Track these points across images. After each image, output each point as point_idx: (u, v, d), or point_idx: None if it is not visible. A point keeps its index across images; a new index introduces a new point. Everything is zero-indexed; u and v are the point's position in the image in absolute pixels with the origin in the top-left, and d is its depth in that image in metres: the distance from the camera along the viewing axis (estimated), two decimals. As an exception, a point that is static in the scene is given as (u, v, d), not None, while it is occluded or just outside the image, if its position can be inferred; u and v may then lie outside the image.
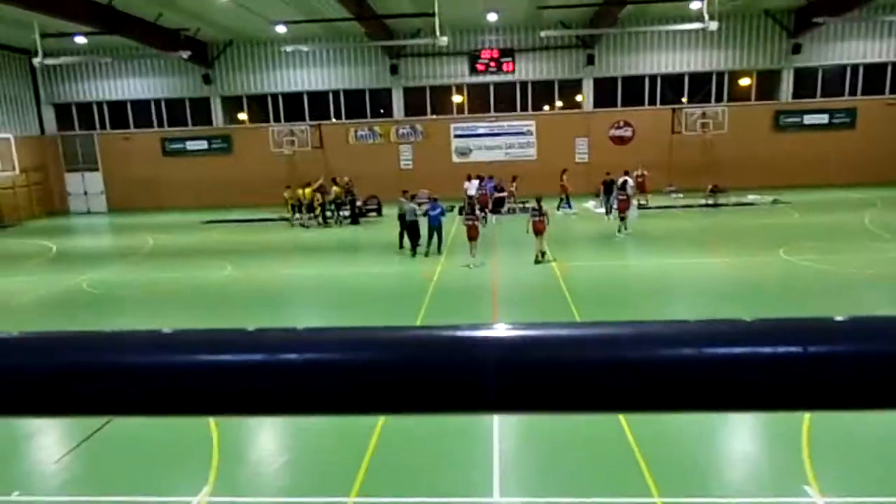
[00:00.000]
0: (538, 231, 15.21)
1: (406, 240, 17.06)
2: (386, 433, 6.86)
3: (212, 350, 0.70)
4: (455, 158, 29.54)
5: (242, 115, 30.82)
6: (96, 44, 27.11)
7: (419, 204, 17.14)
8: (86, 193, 31.14)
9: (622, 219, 18.32)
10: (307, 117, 29.99)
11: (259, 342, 0.71)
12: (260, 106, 30.52)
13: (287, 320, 11.86)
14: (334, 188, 23.31)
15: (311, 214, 22.92)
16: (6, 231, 25.40)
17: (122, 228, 26.04)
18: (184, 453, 6.74)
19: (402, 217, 17.00)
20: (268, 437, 7.32)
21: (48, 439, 7.37)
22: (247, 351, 0.69)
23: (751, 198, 24.72)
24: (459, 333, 0.70)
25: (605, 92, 29.39)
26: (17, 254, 20.49)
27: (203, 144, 30.36)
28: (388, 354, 0.67)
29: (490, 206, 22.84)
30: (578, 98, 29.70)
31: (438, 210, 16.61)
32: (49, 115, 30.83)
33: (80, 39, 25.01)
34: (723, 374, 0.63)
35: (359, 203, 24.16)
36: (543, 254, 15.29)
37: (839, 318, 0.67)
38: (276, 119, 30.12)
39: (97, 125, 30.95)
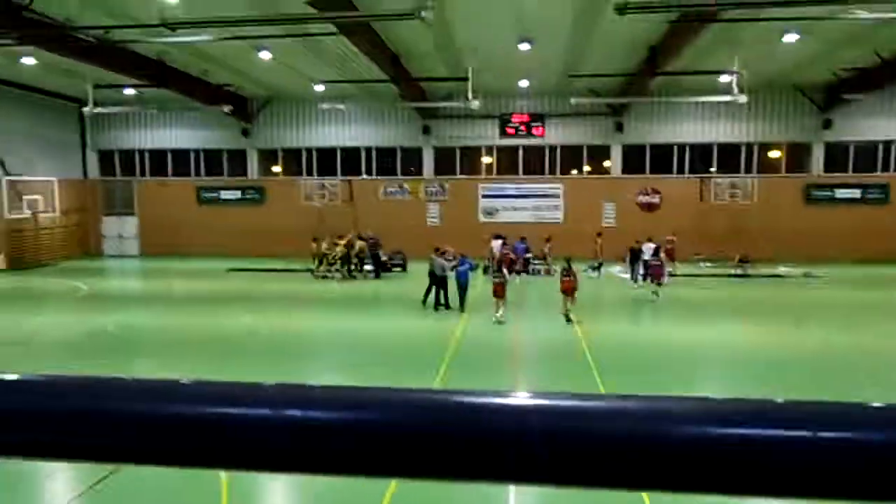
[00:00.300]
0: (567, 291, 15.24)
1: (432, 296, 17.15)
2: (402, 488, 6.67)
3: (227, 403, 0.69)
4: (482, 218, 29.78)
5: (276, 168, 31.68)
6: (143, 95, 28.39)
7: (447, 260, 17.31)
8: (120, 237, 31.94)
9: (659, 284, 18.25)
10: (339, 172, 30.70)
11: (291, 398, 0.70)
12: (294, 159, 31.38)
13: (301, 371, 11.80)
14: (359, 242, 23.59)
15: (336, 267, 23.10)
16: (43, 270, 26.05)
17: (151, 273, 26.54)
18: (194, 499, 6.62)
19: (432, 273, 17.16)
20: (279, 486, 7.17)
21: (57, 483, 7.31)
22: (284, 406, 0.67)
23: (781, 270, 24.30)
24: (497, 400, 0.68)
25: (634, 159, 29.64)
26: (48, 293, 20.94)
27: (237, 194, 31.15)
28: (415, 417, 0.65)
29: (518, 265, 22.94)
30: (606, 164, 29.98)
31: (467, 266, 16.93)
32: (93, 161, 32.06)
33: (129, 91, 26.21)
34: (766, 457, 0.61)
35: (384, 258, 24.37)
36: (568, 317, 15.20)
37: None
38: (309, 173, 30.89)
39: (137, 172, 32.05)
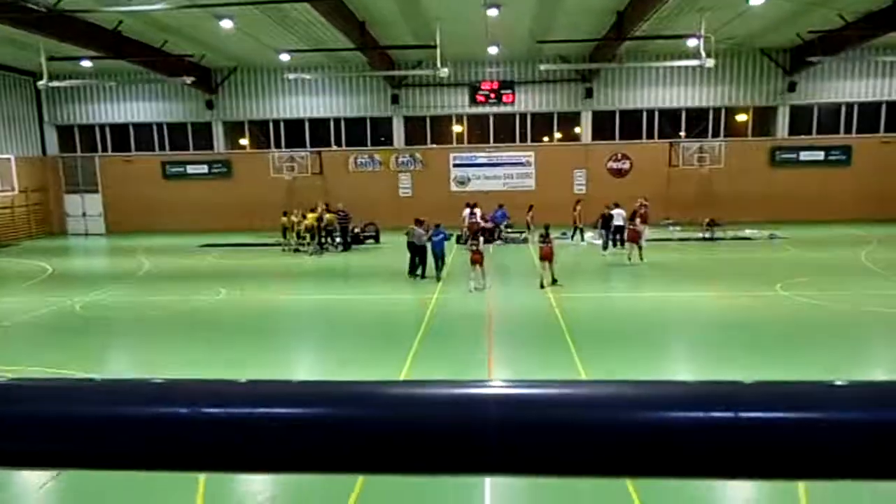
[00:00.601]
0: (545, 257, 15.43)
1: (418, 266, 17.36)
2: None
3: (202, 403, 0.68)
4: (453, 187, 29.71)
5: (244, 141, 31.03)
6: (101, 68, 27.42)
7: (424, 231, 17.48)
8: (84, 215, 31.16)
9: (640, 248, 18.64)
10: (308, 144, 30.21)
11: (253, 395, 0.69)
12: (261, 131, 30.76)
13: (274, 346, 11.78)
14: (327, 215, 23.43)
15: (306, 240, 22.91)
16: (3, 251, 25.34)
17: (118, 251, 26.00)
18: (167, 488, 6.62)
19: (411, 244, 17.34)
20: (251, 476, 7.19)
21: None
22: (240, 405, 0.66)
23: (748, 232, 24.82)
24: (461, 391, 0.68)
25: (604, 125, 29.72)
26: (13, 274, 20.40)
27: (204, 169, 30.50)
28: (386, 411, 0.65)
29: (492, 234, 23.25)
30: (577, 130, 30.02)
31: (441, 236, 17.21)
32: (51, 137, 31.02)
33: (86, 63, 25.29)
34: (725, 439, 0.63)
35: (357, 230, 24.25)
36: (555, 280, 15.45)
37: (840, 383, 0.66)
38: (277, 145, 30.34)
39: (99, 148, 31.13)
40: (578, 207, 23.98)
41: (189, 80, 24.97)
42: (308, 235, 22.82)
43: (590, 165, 29.39)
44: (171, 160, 30.62)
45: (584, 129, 29.75)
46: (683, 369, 10.22)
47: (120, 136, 31.05)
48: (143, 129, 30.85)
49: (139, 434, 0.62)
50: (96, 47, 21.69)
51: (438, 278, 16.90)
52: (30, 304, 15.48)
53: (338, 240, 23.56)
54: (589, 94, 29.08)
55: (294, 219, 23.18)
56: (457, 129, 30.22)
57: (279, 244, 23.61)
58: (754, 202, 28.41)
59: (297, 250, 22.92)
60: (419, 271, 17.23)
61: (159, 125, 30.76)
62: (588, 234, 23.90)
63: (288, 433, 0.63)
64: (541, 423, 0.61)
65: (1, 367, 10.12)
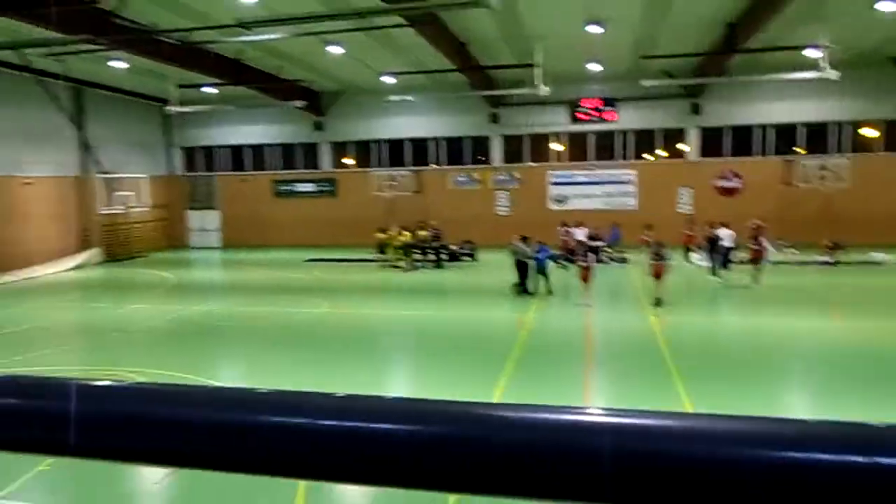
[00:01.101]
0: (657, 275, 15.15)
1: (525, 282, 17.54)
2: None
3: (313, 415, 0.70)
4: (551, 206, 29.37)
5: (348, 160, 32.35)
6: (222, 93, 29.56)
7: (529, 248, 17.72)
8: (204, 230, 33.52)
9: (759, 269, 18.01)
10: (409, 162, 31.02)
11: (370, 410, 0.69)
12: (364, 151, 31.93)
13: (371, 361, 12.04)
14: (421, 233, 23.97)
15: (399, 256, 23.44)
16: (135, 262, 27.73)
17: (232, 264, 27.75)
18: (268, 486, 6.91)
19: (517, 260, 17.55)
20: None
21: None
22: (355, 419, 0.67)
23: (877, 256, 22.70)
24: (575, 417, 0.65)
25: (712, 141, 28.41)
26: (141, 283, 22.27)
27: (311, 187, 32.05)
28: (501, 433, 0.63)
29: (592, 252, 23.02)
30: (682, 147, 28.87)
31: (546, 253, 17.48)
32: (177, 157, 33.77)
33: (209, 90, 27.38)
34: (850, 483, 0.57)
35: (453, 247, 24.57)
36: (660, 301, 15.06)
37: None
38: (379, 164, 31.37)
39: (217, 167, 33.51)
40: (693, 227, 23.22)
41: (300, 104, 26.40)
42: (403, 252, 23.36)
43: (696, 183, 28.12)
44: (281, 179, 32.41)
45: (692, 146, 28.55)
46: (802, 406, 9.42)
47: (236, 156, 33.30)
48: (256, 149, 32.94)
49: (259, 439, 0.65)
50: (219, 75, 23.46)
51: (541, 294, 16.96)
52: (152, 311, 16.82)
53: (430, 257, 23.99)
54: (696, 109, 27.92)
55: (392, 234, 23.81)
56: (555, 146, 29.94)
57: (378, 260, 24.31)
58: (884, 223, 25.97)
59: (394, 266, 23.47)
60: (525, 287, 17.32)
61: (271, 146, 32.73)
62: (694, 256, 22.80)
63: (398, 449, 0.63)
64: (657, 456, 0.57)
65: (126, 369, 11.02)
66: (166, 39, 18.27)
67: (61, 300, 19.38)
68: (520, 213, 29.00)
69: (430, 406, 0.66)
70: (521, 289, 17.38)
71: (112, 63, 22.10)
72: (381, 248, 24.25)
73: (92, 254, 26.79)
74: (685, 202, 28.22)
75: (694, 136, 28.49)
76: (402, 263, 23.36)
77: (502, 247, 25.16)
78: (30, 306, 18.19)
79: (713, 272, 19.97)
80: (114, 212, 27.68)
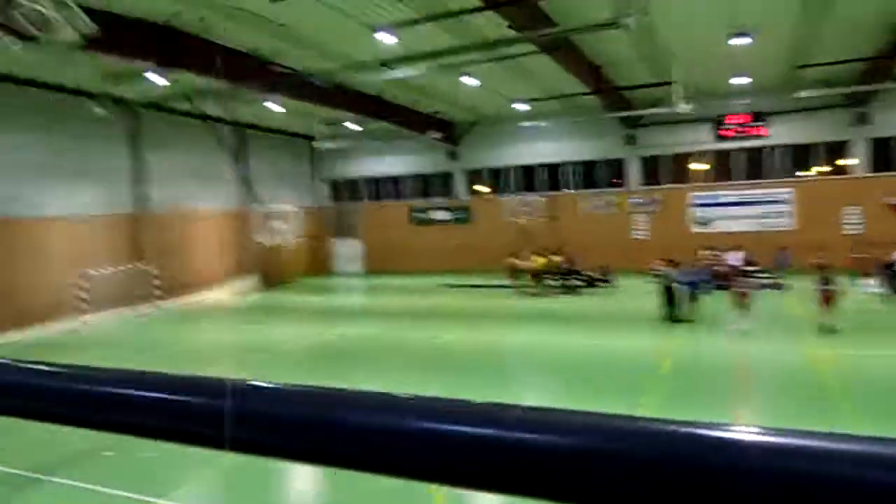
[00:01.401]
0: (826, 302, 14.02)
1: (671, 308, 16.89)
2: None
3: (445, 420, 0.67)
4: (693, 228, 27.75)
5: (480, 187, 32.86)
6: (363, 128, 31.37)
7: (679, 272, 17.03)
8: (347, 257, 35.47)
9: None
10: (541, 188, 30.88)
11: (490, 417, 0.66)
12: (497, 178, 32.28)
13: (507, 385, 11.91)
14: (555, 258, 23.69)
15: (538, 283, 23.22)
16: (286, 287, 29.94)
17: (371, 289, 29.07)
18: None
19: (664, 285, 16.96)
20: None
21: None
22: (484, 426, 0.64)
23: None
24: (721, 434, 0.59)
25: (882, 154, 25.47)
26: (289, 307, 23.96)
27: (445, 214, 32.91)
28: (640, 448, 0.58)
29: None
30: (846, 162, 26.14)
31: (699, 277, 17.02)
32: (322, 189, 36.20)
33: (351, 125, 29.20)
34: None
35: (589, 273, 23.97)
36: (829, 328, 13.84)
37: None
38: (512, 190, 31.52)
39: (358, 197, 35.47)
40: (864, 249, 21.03)
41: (437, 135, 27.34)
42: (537, 278, 23.15)
43: (865, 201, 25.27)
44: (417, 207, 33.60)
45: (860, 160, 25.79)
46: None
47: (376, 186, 35.08)
48: (395, 180, 34.50)
49: (404, 442, 0.63)
50: (361, 111, 24.95)
51: (687, 320, 16.30)
52: (297, 333, 17.98)
53: (566, 283, 23.55)
54: (862, 119, 25.23)
55: (525, 260, 23.75)
56: (697, 166, 28.37)
57: (512, 286, 24.28)
58: None
59: (528, 293, 23.30)
60: (673, 313, 16.61)
61: (409, 176, 34.14)
62: (866, 281, 20.40)
63: (539, 458, 0.58)
64: (808, 479, 0.48)
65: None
66: (314, 81, 19.77)
67: (217, 323, 21.35)
68: (658, 237, 27.70)
69: (564, 417, 0.61)
70: (669, 315, 16.65)
71: (268, 104, 24.26)
72: (515, 273, 24.24)
73: (249, 280, 29.30)
74: (853, 222, 25.43)
75: (861, 149, 25.73)
76: (535, 289, 23.15)
77: (639, 272, 24.14)
78: (188, 328, 20.23)
79: (888, 298, 17.74)
80: (268, 241, 30.15)
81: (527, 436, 0.59)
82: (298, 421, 0.66)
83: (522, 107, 26.30)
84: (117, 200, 23.39)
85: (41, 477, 8.25)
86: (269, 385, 0.76)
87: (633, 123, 28.40)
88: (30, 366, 0.94)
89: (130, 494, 7.59)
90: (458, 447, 0.62)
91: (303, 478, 8.35)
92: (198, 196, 27.26)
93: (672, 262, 17.32)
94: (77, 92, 20.94)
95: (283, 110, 24.91)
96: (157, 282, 23.23)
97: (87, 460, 8.75)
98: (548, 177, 31.02)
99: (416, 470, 0.65)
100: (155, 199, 24.70)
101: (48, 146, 20.89)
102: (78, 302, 20.26)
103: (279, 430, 0.67)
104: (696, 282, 16.73)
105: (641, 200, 28.96)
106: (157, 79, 18.54)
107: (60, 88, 20.70)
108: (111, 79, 19.27)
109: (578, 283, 23.62)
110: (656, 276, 17.47)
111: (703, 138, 27.72)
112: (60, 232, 20.88)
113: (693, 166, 28.37)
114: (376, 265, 34.09)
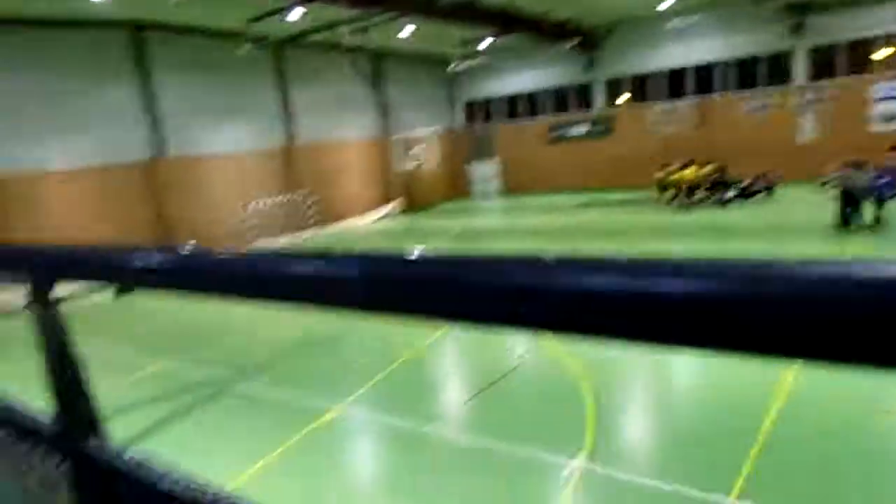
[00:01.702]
0: None
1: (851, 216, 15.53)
2: (778, 432, 6.06)
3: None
4: (875, 127, 24.31)
5: (622, 97, 30.93)
6: (495, 46, 30.50)
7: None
8: (484, 179, 35.55)
9: None
10: (690, 93, 28.45)
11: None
12: (640, 86, 30.16)
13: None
14: (705, 168, 22.04)
15: (688, 195, 21.85)
16: (427, 212, 30.79)
17: (510, 210, 29.02)
18: (560, 417, 7.12)
19: (845, 192, 15.41)
20: (640, 415, 7.22)
21: (456, 385, 8.67)
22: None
23: None
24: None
25: None
26: (429, 232, 24.65)
27: (583, 129, 31.56)
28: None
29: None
30: None
31: (889, 180, 15.33)
32: (458, 113, 36.07)
33: (483, 45, 28.47)
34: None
35: (744, 182, 22.10)
36: None
37: None
38: (657, 97, 29.37)
39: (494, 118, 34.96)
40: None
41: (571, 43, 25.86)
42: (686, 190, 21.76)
43: None
44: (554, 124, 32.50)
45: None
46: None
47: (511, 105, 34.28)
48: (530, 97, 33.42)
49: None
50: (492, 28, 24.16)
51: (868, 228, 14.96)
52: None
53: (718, 194, 21.93)
54: None
55: (674, 171, 22.41)
56: (881, 53, 24.45)
57: (659, 200, 23.09)
58: None
59: (677, 205, 22.05)
60: (850, 221, 15.21)
61: (543, 91, 32.88)
62: None
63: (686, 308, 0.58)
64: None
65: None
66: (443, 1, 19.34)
67: (355, 247, 22.46)
68: (829, 139, 24.65)
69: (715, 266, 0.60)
70: (848, 222, 15.20)
71: (401, 29, 24.23)
72: (663, 186, 22.97)
73: (393, 206, 30.48)
74: None
75: None
76: (684, 201, 21.83)
77: (803, 180, 21.87)
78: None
79: None
80: (408, 167, 30.94)
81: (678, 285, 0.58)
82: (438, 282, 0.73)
83: (664, 4, 23.95)
84: (269, 136, 25.04)
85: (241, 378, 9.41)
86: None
87: (801, 9, 24.88)
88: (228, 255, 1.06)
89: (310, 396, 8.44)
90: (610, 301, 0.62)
91: (458, 388, 8.79)
92: (341, 126, 28.40)
93: (857, 164, 15.57)
94: (227, 34, 22.27)
95: (415, 34, 24.80)
96: (312, 210, 24.91)
97: (275, 366, 9.86)
98: (697, 80, 28.40)
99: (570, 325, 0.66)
100: (302, 131, 26.12)
101: (212, 90, 22.71)
102: (248, 231, 22.34)
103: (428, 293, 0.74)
104: (883, 186, 15.00)
105: (809, 98, 25.74)
106: (294, 15, 19.18)
107: (212, 33, 22.13)
108: (254, 20, 20.24)
109: (732, 194, 21.86)
110: (832, 180, 15.73)
111: (889, 18, 23.71)
112: (227, 168, 22.89)
113: (879, 54, 24.48)
114: (514, 186, 33.86)
